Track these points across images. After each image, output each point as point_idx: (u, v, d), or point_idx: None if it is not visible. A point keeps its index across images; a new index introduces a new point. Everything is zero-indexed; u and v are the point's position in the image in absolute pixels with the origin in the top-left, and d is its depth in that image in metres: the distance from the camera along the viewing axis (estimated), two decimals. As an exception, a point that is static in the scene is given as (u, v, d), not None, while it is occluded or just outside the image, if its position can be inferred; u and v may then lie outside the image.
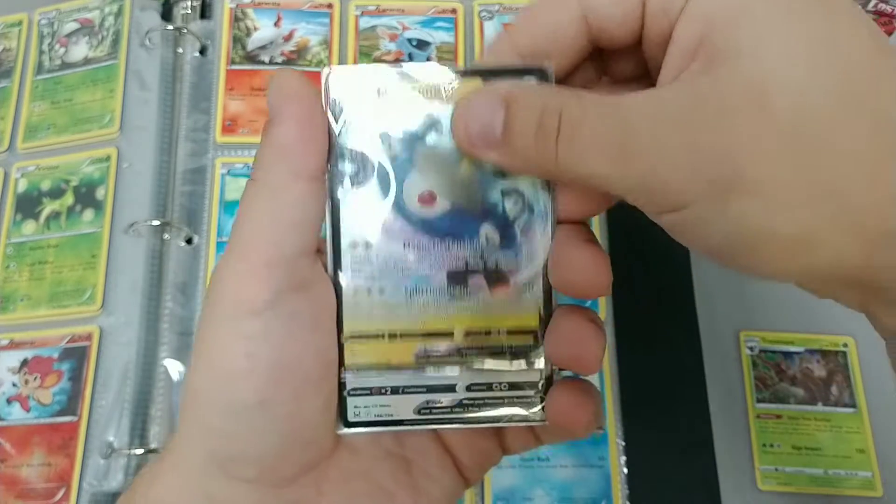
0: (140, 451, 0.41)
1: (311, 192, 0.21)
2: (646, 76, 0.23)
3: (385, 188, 0.22)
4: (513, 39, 0.22)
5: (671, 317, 0.44)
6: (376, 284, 0.22)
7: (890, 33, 0.58)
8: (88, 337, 0.43)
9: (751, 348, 0.46)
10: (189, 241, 0.46)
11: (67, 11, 0.52)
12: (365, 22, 0.50)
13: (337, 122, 0.22)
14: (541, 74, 0.22)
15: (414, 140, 0.22)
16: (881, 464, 0.44)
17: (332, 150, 0.22)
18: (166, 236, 0.45)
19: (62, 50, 0.51)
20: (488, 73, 0.22)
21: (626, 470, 0.41)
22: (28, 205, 0.47)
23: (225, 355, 0.20)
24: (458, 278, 0.22)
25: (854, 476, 0.43)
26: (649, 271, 0.45)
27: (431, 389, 0.23)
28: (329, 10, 0.50)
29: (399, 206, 0.22)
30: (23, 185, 0.48)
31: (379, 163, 0.22)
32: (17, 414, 0.43)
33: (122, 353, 0.43)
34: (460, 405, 0.23)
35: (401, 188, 0.22)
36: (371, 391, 0.23)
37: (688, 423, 0.42)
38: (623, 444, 0.42)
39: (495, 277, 0.22)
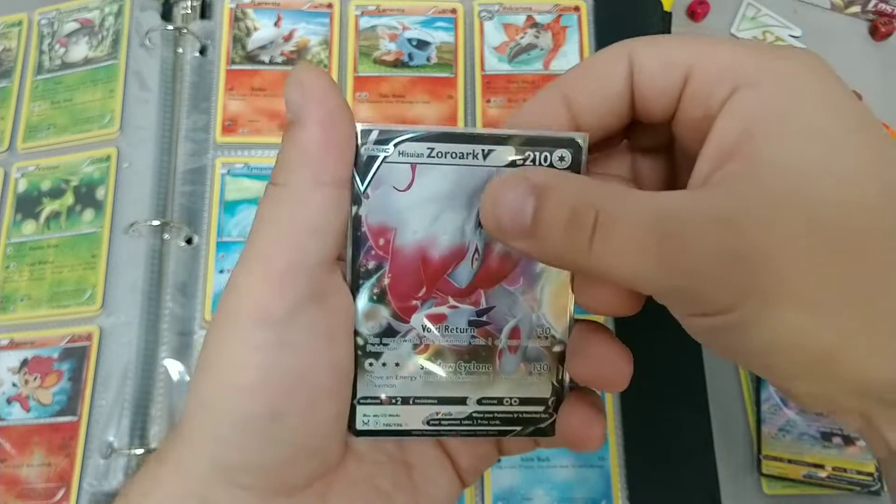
0: (140, 451, 0.41)
1: (334, 198, 0.20)
2: (666, 149, 0.23)
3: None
4: (561, 91, 0.22)
5: (671, 318, 0.44)
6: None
7: (890, 33, 0.58)
8: (88, 337, 0.43)
9: None
10: (189, 241, 0.46)
11: (67, 11, 0.52)
12: (365, 22, 0.50)
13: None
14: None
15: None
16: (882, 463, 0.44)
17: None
18: (166, 236, 0.45)
19: (62, 50, 0.51)
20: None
21: (626, 470, 0.41)
22: (28, 205, 0.47)
23: (237, 367, 0.20)
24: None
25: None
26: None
27: (442, 401, 0.23)
28: (329, 10, 0.50)
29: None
30: (23, 185, 0.48)
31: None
32: (17, 414, 0.43)
33: (122, 353, 0.43)
34: (470, 418, 0.23)
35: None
36: (381, 401, 0.23)
37: (688, 423, 0.42)
38: (623, 444, 0.42)
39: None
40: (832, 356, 0.17)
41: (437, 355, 0.23)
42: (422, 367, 0.23)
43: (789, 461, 0.43)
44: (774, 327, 0.17)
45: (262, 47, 0.49)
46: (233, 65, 0.49)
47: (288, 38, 0.50)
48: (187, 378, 0.43)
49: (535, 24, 0.50)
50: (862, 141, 0.18)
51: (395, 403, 0.23)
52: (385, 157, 0.21)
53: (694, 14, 0.59)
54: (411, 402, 0.23)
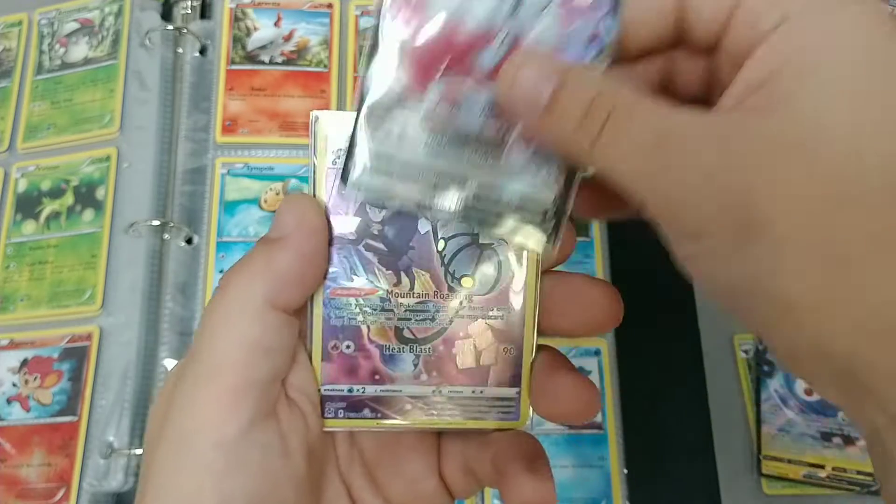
0: (140, 451, 0.41)
1: (284, 322, 0.20)
2: (701, 101, 0.22)
3: None
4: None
5: (671, 318, 0.44)
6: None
7: (890, 33, 0.58)
8: (88, 337, 0.43)
9: (745, 352, 0.46)
10: (189, 241, 0.46)
11: (67, 11, 0.52)
12: (365, 22, 0.50)
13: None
14: None
15: None
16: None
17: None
18: (166, 236, 0.45)
19: (62, 50, 0.51)
20: None
21: (626, 470, 0.41)
22: (28, 205, 0.47)
23: (193, 493, 0.19)
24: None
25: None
26: (650, 272, 0.45)
27: (441, 183, 0.21)
28: (329, 10, 0.50)
29: None
30: (23, 185, 0.48)
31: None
32: (17, 414, 0.43)
33: (122, 353, 0.43)
34: (464, 209, 0.22)
35: None
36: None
37: (688, 423, 0.42)
38: (623, 444, 0.42)
39: None
40: (796, 310, 0.16)
41: (445, 133, 0.21)
42: (426, 143, 0.21)
43: (789, 461, 0.43)
44: (746, 266, 0.17)
45: (262, 47, 0.49)
46: (233, 65, 0.49)
47: (288, 38, 0.50)
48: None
49: (535, 24, 0.50)
50: (891, 103, 0.17)
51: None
52: None
53: (694, 14, 0.59)
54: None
